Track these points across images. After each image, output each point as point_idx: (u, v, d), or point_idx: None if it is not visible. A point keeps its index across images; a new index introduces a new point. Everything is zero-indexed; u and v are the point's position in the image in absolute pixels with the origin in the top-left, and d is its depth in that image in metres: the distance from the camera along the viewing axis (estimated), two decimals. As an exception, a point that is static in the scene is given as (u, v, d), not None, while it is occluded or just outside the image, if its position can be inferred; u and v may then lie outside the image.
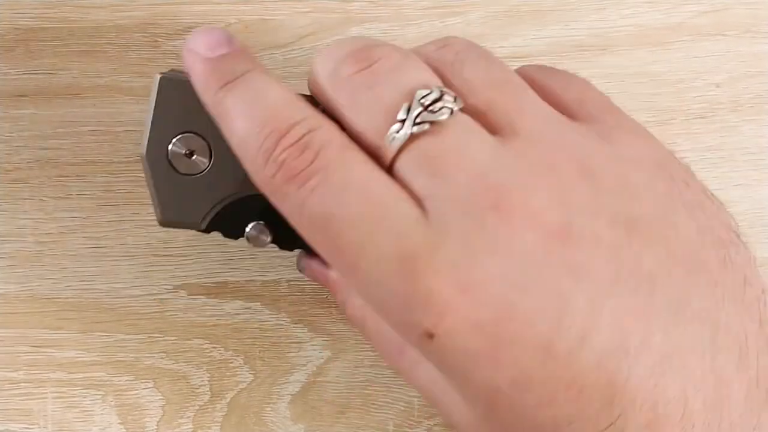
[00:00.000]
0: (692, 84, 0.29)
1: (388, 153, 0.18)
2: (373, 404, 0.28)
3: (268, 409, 0.28)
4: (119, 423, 0.28)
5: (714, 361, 0.17)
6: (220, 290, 0.28)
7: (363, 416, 0.28)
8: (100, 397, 0.28)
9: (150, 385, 0.28)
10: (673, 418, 0.17)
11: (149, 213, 0.28)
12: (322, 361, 0.28)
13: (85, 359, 0.28)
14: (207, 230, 0.23)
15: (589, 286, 0.17)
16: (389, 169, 0.19)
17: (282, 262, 0.28)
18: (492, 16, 0.29)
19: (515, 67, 0.22)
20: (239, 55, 0.21)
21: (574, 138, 0.19)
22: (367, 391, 0.28)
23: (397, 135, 0.18)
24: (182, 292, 0.28)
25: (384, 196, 0.18)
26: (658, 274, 0.18)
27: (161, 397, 0.28)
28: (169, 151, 0.22)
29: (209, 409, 0.28)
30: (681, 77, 0.29)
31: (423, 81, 0.19)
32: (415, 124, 0.18)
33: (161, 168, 0.22)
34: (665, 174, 0.19)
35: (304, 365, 0.28)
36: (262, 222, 0.23)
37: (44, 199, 0.28)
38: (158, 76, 0.22)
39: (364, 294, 0.19)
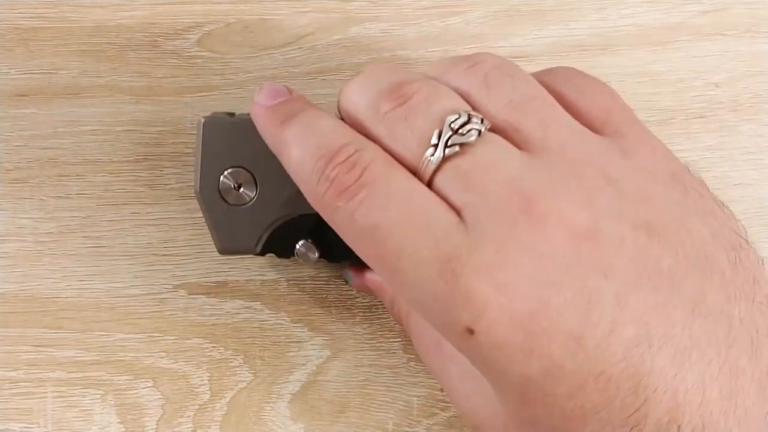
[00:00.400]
0: (692, 84, 0.29)
1: (426, 174, 0.20)
2: (373, 403, 0.28)
3: (268, 408, 0.28)
4: (119, 422, 0.28)
5: (728, 353, 0.19)
6: (219, 290, 0.28)
7: (362, 415, 0.28)
8: (99, 396, 0.28)
9: (149, 384, 0.28)
10: (692, 405, 0.18)
11: (149, 213, 0.28)
12: (321, 360, 0.28)
13: (84, 359, 0.28)
14: (262, 253, 0.25)
15: (615, 283, 0.18)
16: (428, 186, 0.20)
17: (282, 262, 0.28)
18: (492, 15, 0.29)
19: (543, 69, 0.23)
20: (295, 99, 0.23)
21: (597, 151, 0.21)
22: (366, 391, 0.28)
23: (432, 158, 0.20)
24: (182, 292, 0.28)
25: (424, 206, 0.20)
26: (676, 274, 0.19)
27: (161, 397, 0.28)
28: (220, 186, 0.24)
29: (209, 409, 0.28)
30: (681, 77, 0.29)
31: (452, 107, 0.21)
32: (446, 146, 0.20)
33: (214, 202, 0.24)
34: (680, 185, 0.21)
35: (304, 364, 0.28)
36: (309, 240, 0.25)
37: (44, 198, 0.28)
38: (202, 120, 0.24)
39: (408, 297, 0.20)
